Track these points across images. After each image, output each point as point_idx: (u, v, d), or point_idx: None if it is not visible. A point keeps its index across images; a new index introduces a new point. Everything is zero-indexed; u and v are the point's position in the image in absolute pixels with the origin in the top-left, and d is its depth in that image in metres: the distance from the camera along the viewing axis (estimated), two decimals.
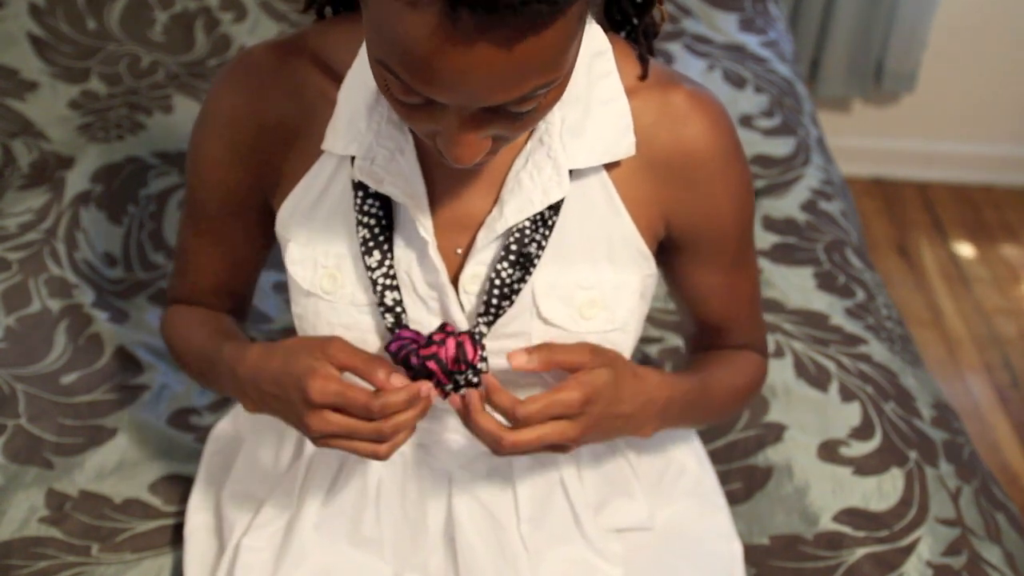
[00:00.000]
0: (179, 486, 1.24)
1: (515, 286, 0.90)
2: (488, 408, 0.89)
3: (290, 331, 1.01)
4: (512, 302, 0.91)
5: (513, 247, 0.90)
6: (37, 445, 1.27)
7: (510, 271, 0.90)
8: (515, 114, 0.76)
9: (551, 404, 0.87)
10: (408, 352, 0.88)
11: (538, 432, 0.87)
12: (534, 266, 0.90)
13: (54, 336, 1.42)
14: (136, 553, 1.17)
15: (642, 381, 0.94)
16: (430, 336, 0.89)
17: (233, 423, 1.21)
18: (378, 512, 1.05)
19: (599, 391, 0.89)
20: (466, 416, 0.88)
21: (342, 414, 0.87)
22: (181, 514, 1.19)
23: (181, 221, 1.07)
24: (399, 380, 0.87)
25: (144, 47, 1.96)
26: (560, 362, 0.90)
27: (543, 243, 0.90)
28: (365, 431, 0.86)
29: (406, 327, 0.91)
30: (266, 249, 1.07)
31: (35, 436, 1.28)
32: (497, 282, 0.90)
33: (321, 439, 0.88)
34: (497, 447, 0.88)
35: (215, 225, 1.03)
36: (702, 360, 1.09)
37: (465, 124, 0.76)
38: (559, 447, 0.90)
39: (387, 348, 0.89)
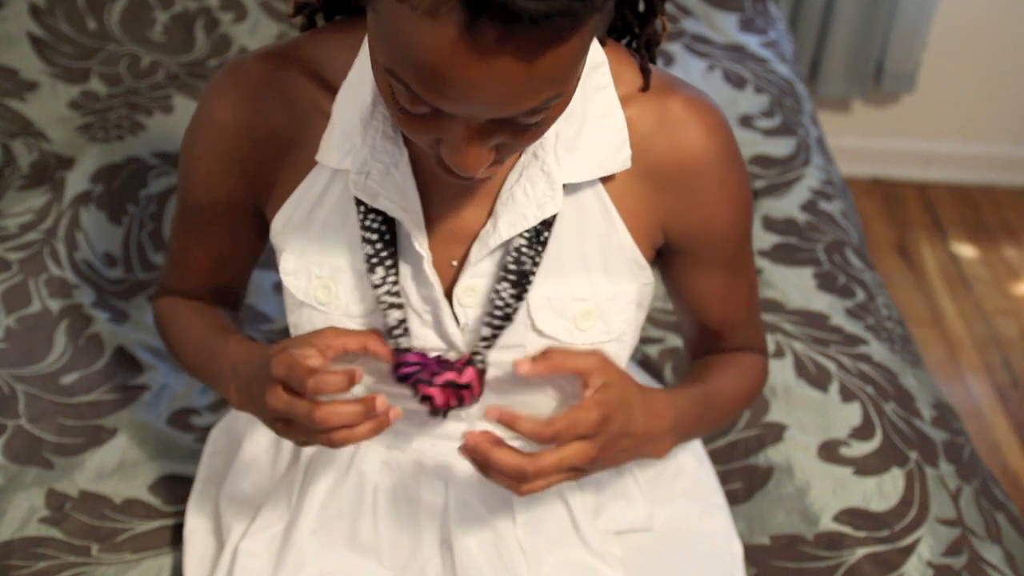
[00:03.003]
0: (179, 486, 1.24)
1: (514, 304, 0.90)
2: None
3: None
4: (511, 321, 0.90)
5: (512, 266, 0.90)
6: (37, 445, 1.27)
7: (512, 291, 0.90)
8: (523, 125, 0.76)
9: (575, 422, 0.86)
10: (417, 379, 0.89)
11: (560, 454, 0.86)
12: (530, 283, 0.90)
13: (54, 336, 1.42)
14: (136, 553, 1.17)
15: (649, 399, 0.94)
16: (440, 359, 0.89)
17: (232, 423, 1.21)
18: (375, 518, 1.05)
19: (614, 408, 0.89)
20: (482, 458, 0.85)
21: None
22: (181, 514, 1.19)
23: (173, 218, 1.07)
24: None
25: (144, 47, 1.96)
26: (568, 368, 0.89)
27: (537, 259, 0.90)
28: (300, 408, 0.84)
29: (408, 351, 0.91)
30: (258, 249, 1.07)
31: (35, 436, 1.28)
32: (499, 303, 0.90)
33: (280, 424, 0.88)
34: (522, 477, 0.85)
35: (206, 227, 1.03)
36: (703, 369, 1.09)
37: (472, 134, 0.75)
38: (576, 470, 0.89)
39: (395, 373, 0.89)
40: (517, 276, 0.90)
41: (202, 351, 1.03)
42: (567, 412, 0.86)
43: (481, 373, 0.91)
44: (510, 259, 0.90)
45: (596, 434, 0.87)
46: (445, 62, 0.67)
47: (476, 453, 0.85)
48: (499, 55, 0.67)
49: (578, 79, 0.75)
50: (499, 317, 0.90)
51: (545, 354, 0.89)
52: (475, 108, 0.71)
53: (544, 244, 0.90)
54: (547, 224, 0.90)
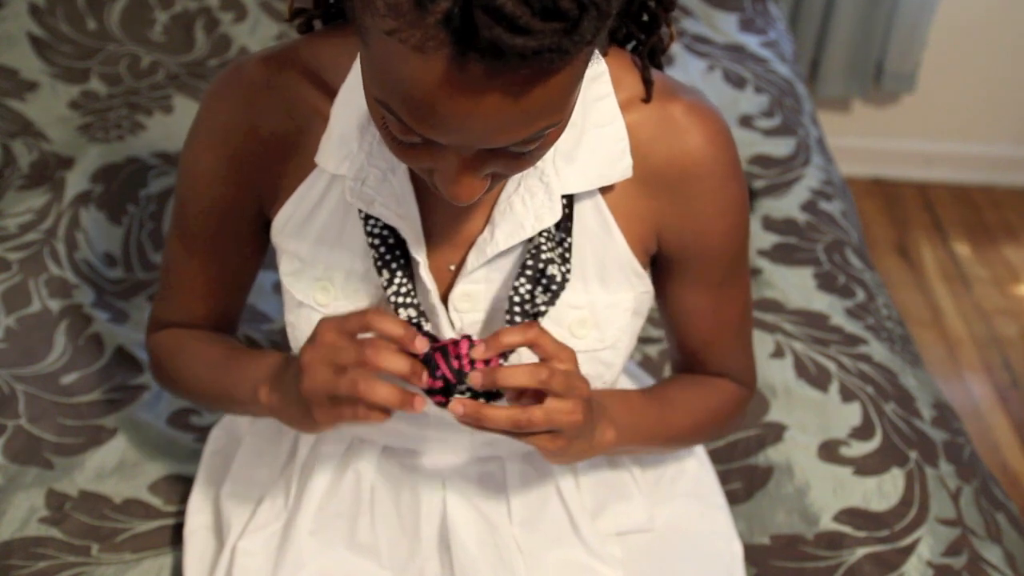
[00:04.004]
0: (179, 486, 1.24)
1: (541, 308, 0.89)
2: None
3: None
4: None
5: (529, 262, 0.89)
6: (37, 445, 1.27)
7: (528, 287, 0.89)
8: (516, 153, 0.75)
9: (556, 342, 0.85)
10: (427, 351, 0.86)
11: (547, 407, 0.84)
12: (562, 287, 0.89)
13: (54, 336, 1.42)
14: (136, 553, 1.17)
15: (600, 392, 0.95)
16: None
17: (232, 423, 1.21)
18: (373, 518, 1.05)
19: (577, 368, 0.87)
20: (476, 421, 0.83)
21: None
22: (181, 514, 1.19)
23: (169, 243, 1.04)
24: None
25: (144, 47, 1.96)
26: (509, 343, 0.85)
27: (566, 267, 0.89)
28: (350, 349, 0.82)
29: (425, 333, 0.89)
30: (256, 265, 1.05)
31: (35, 436, 1.28)
32: (516, 299, 0.89)
33: (308, 374, 0.84)
34: (517, 426, 0.83)
35: (209, 242, 1.00)
36: (666, 380, 1.09)
37: (464, 164, 0.75)
38: (558, 435, 0.86)
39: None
40: (536, 273, 0.89)
41: (220, 364, 1.01)
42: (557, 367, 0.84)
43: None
44: (531, 261, 0.89)
45: (580, 395, 0.85)
46: (434, 96, 0.67)
47: (469, 418, 0.83)
48: (487, 90, 0.66)
49: (573, 107, 0.74)
50: (520, 315, 0.88)
51: (490, 337, 0.85)
52: (465, 140, 0.71)
53: (569, 249, 0.90)
54: (566, 230, 0.90)
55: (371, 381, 0.82)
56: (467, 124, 0.69)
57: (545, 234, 0.89)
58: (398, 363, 0.82)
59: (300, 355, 0.86)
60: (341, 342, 0.84)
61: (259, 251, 1.03)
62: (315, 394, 0.85)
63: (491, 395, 0.86)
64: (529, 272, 0.89)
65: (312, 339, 0.86)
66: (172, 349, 1.07)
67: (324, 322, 0.85)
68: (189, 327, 1.07)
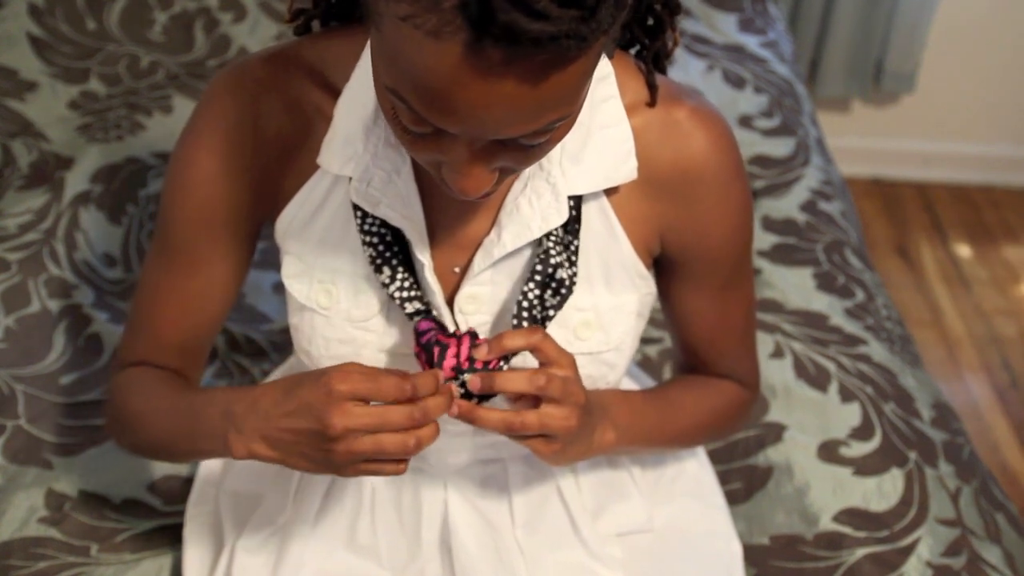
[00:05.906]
0: (179, 486, 1.24)
1: (550, 312, 0.88)
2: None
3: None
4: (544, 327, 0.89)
5: (539, 267, 0.89)
6: (37, 445, 1.27)
7: (538, 292, 0.89)
8: (526, 146, 0.75)
9: (558, 348, 0.85)
10: (430, 339, 0.87)
11: (541, 412, 0.84)
12: (570, 291, 0.88)
13: (54, 336, 1.42)
14: (135, 553, 1.17)
15: (597, 392, 0.94)
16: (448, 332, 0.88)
17: None
18: (373, 520, 1.05)
19: (575, 374, 0.87)
20: (471, 420, 0.84)
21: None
22: (181, 514, 1.19)
23: (144, 267, 1.00)
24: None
25: (144, 47, 1.96)
26: (513, 347, 0.85)
27: (573, 269, 0.89)
28: (397, 415, 0.79)
29: (432, 319, 0.89)
30: (236, 286, 1.00)
31: (35, 436, 1.28)
32: (525, 303, 0.89)
33: (345, 442, 0.80)
34: (510, 429, 0.84)
35: (191, 252, 0.96)
36: (668, 382, 1.09)
37: (475, 156, 0.74)
38: (552, 439, 0.87)
39: (416, 327, 0.88)
40: (544, 278, 0.88)
41: (176, 412, 0.94)
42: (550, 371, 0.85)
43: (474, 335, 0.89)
44: (540, 266, 0.89)
45: (576, 402, 0.85)
46: (448, 83, 0.66)
47: (462, 418, 0.84)
48: (503, 77, 0.66)
49: (584, 100, 0.74)
50: (527, 320, 0.88)
51: (493, 339, 0.85)
52: (478, 129, 0.70)
53: (575, 251, 0.90)
54: (573, 233, 0.90)
55: (418, 439, 0.81)
56: (481, 112, 0.68)
57: (554, 237, 0.89)
58: (441, 410, 0.82)
59: (328, 426, 0.79)
60: (379, 410, 0.80)
61: (242, 264, 0.99)
62: (352, 459, 0.82)
63: (486, 394, 0.86)
64: (539, 277, 0.89)
65: (338, 407, 0.79)
66: (127, 390, 1.00)
67: (344, 383, 0.80)
68: (153, 365, 1.00)
